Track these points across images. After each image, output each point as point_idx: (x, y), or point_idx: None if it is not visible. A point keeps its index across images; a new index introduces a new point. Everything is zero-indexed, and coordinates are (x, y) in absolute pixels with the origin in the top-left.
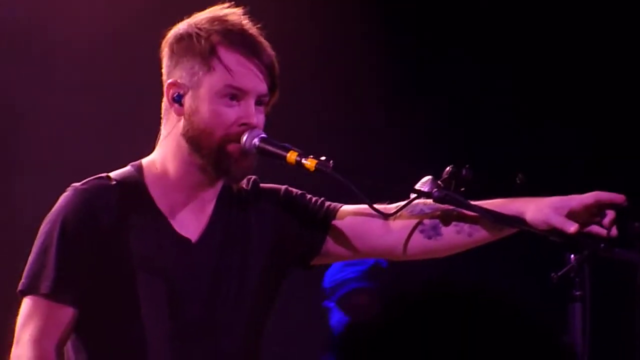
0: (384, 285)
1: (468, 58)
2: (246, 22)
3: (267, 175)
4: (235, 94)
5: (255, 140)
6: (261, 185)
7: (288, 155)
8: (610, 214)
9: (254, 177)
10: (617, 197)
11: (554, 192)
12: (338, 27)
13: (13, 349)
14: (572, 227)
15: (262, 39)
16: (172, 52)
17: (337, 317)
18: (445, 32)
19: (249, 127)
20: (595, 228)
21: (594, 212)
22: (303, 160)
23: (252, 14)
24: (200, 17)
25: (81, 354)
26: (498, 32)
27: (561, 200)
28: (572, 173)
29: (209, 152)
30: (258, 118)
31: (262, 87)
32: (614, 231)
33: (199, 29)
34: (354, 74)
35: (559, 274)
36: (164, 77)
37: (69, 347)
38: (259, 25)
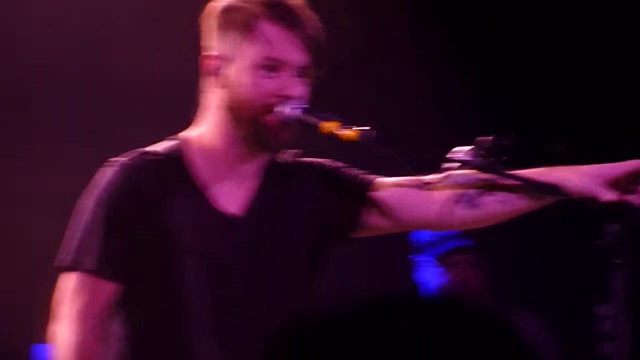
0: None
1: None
2: None
3: (311, 149)
4: (274, 65)
5: (297, 111)
6: (302, 159)
7: (330, 125)
8: None
9: (296, 150)
10: None
11: (595, 160)
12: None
13: (56, 325)
14: (606, 195)
15: (307, 11)
16: (216, 25)
17: (431, 274)
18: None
19: (288, 98)
20: (635, 198)
21: (632, 181)
22: (346, 131)
23: None
24: None
25: (125, 327)
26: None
27: (600, 169)
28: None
29: (248, 122)
30: (300, 90)
31: (303, 58)
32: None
33: (242, 1)
34: (394, 46)
35: (601, 242)
36: (204, 50)
37: (115, 321)
38: None
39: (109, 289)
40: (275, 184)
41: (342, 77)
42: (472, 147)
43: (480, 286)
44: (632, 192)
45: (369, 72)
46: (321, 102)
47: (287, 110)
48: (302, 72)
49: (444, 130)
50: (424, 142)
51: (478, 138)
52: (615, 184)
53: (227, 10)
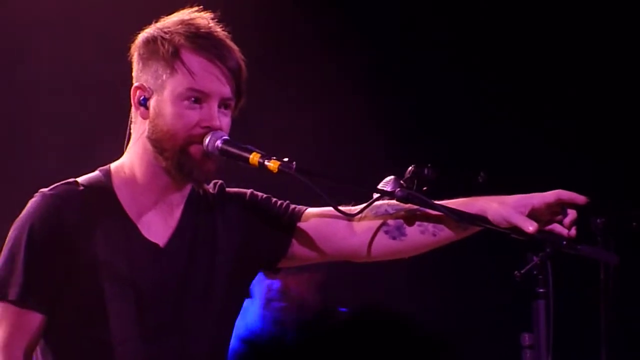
0: None
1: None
2: (213, 26)
3: (234, 178)
4: (197, 97)
5: (218, 142)
6: (227, 189)
7: (251, 157)
8: (571, 214)
9: (220, 181)
10: (578, 198)
11: (516, 190)
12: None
13: None
14: (531, 227)
15: (229, 43)
16: (139, 56)
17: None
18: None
19: (212, 129)
20: (556, 227)
21: (556, 211)
22: (266, 162)
23: (223, 18)
24: (167, 20)
25: (49, 358)
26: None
27: (523, 199)
28: (533, 170)
29: (172, 154)
30: (222, 121)
31: (226, 90)
32: (573, 232)
33: (164, 32)
34: (315, 75)
35: (522, 271)
36: (133, 81)
37: (37, 351)
38: (227, 29)
39: (34, 319)
40: (199, 214)
41: (267, 107)
42: (393, 177)
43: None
44: (556, 222)
45: (294, 101)
46: (246, 133)
47: (211, 141)
48: (225, 103)
49: (363, 160)
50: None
51: (408, 168)
52: (539, 214)
53: (149, 41)
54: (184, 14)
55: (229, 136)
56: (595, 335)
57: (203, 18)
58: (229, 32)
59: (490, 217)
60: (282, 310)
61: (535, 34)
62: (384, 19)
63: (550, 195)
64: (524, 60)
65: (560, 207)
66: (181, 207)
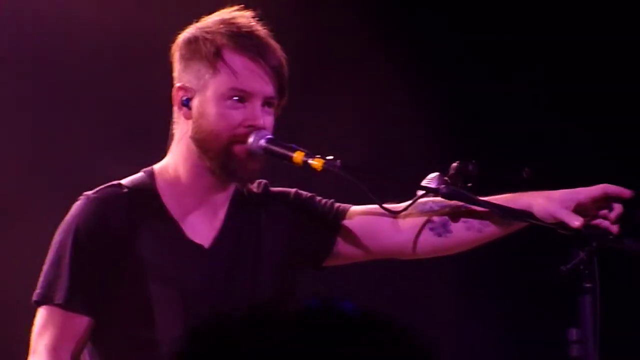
0: None
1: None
2: (254, 24)
3: (278, 179)
4: (240, 96)
5: (262, 141)
6: (271, 189)
7: (295, 155)
8: (617, 208)
9: (264, 181)
10: (625, 192)
11: (562, 185)
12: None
13: (29, 359)
14: (577, 222)
15: (270, 41)
16: (181, 56)
17: None
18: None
19: (255, 128)
20: (602, 222)
21: (602, 205)
22: (310, 160)
23: (264, 17)
24: (208, 20)
25: None
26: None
27: (569, 194)
28: (580, 165)
29: (216, 154)
30: (265, 120)
31: (269, 89)
32: (615, 228)
33: (206, 32)
34: (358, 72)
35: (569, 267)
36: (175, 82)
37: (85, 354)
38: (268, 28)
39: (79, 322)
40: (243, 214)
41: (311, 105)
42: (437, 174)
43: None
44: (601, 217)
45: (338, 99)
46: (290, 131)
47: (255, 140)
48: (267, 102)
49: (408, 157)
50: (389, 170)
51: (452, 164)
52: (585, 208)
53: (191, 42)
54: (225, 13)
55: (272, 135)
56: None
57: (244, 17)
58: (270, 30)
59: (535, 213)
60: None
61: (586, 28)
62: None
63: (596, 190)
64: (580, 54)
65: (606, 202)
66: (225, 207)
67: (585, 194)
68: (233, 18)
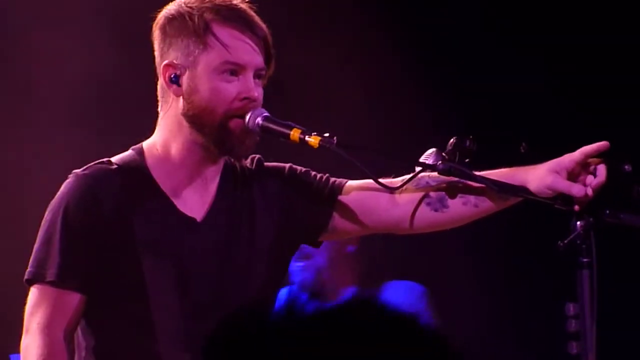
0: None
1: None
2: None
3: (271, 154)
4: (233, 69)
5: (259, 119)
6: (265, 163)
7: (291, 133)
8: (599, 177)
9: (257, 155)
10: (600, 145)
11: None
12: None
13: (23, 338)
14: (579, 190)
15: (253, 13)
16: (165, 34)
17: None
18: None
19: (250, 100)
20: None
21: (589, 170)
22: (307, 138)
23: None
24: None
25: (90, 338)
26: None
27: (557, 163)
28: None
29: (212, 129)
30: (257, 92)
31: (259, 60)
32: (589, 191)
33: (190, 7)
34: (354, 48)
35: (566, 241)
36: (158, 60)
37: (78, 332)
38: (248, 0)
39: (71, 299)
40: (236, 187)
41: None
42: (434, 150)
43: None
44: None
45: (334, 76)
46: (287, 108)
47: (252, 118)
48: (258, 74)
49: (404, 133)
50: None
51: (450, 140)
52: (574, 175)
53: (175, 18)
54: None
55: (267, 113)
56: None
57: None
58: (253, 3)
59: (532, 188)
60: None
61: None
62: None
63: (576, 154)
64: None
65: (590, 165)
66: (216, 181)
67: (569, 159)
68: None
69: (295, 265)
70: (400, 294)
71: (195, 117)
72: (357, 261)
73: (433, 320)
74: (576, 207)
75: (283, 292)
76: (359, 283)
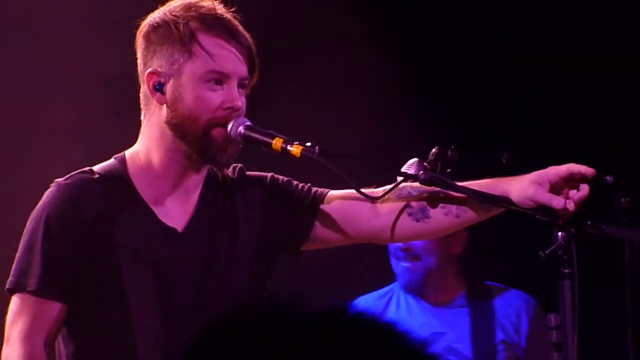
0: None
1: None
2: (220, 8)
3: (254, 162)
4: (218, 78)
5: (241, 128)
6: (247, 173)
7: (273, 142)
8: (583, 190)
9: (239, 165)
10: (587, 170)
11: (539, 169)
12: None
13: (4, 347)
14: (558, 202)
15: (237, 23)
16: (149, 42)
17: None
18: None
19: (234, 110)
20: (566, 203)
21: (572, 185)
22: (288, 147)
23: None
24: (173, 5)
25: (71, 347)
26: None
27: (540, 175)
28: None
29: (194, 138)
30: (241, 101)
31: (243, 69)
32: (571, 206)
33: (175, 16)
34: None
35: (547, 252)
36: (141, 68)
37: (59, 340)
38: (232, 10)
39: (52, 309)
40: (217, 197)
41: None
42: (416, 159)
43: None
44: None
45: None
46: (267, 117)
47: (234, 127)
48: (242, 83)
49: (386, 143)
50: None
51: (432, 150)
52: (557, 188)
53: (159, 26)
54: None
55: (250, 121)
56: (621, 315)
57: (208, 0)
58: (235, 13)
59: (514, 198)
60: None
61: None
62: None
63: (563, 169)
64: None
65: (575, 181)
66: (198, 191)
67: (554, 172)
68: (199, 1)
69: (401, 265)
70: (515, 303)
71: (179, 126)
72: (462, 263)
73: (543, 333)
74: (559, 221)
75: (379, 293)
76: (464, 285)
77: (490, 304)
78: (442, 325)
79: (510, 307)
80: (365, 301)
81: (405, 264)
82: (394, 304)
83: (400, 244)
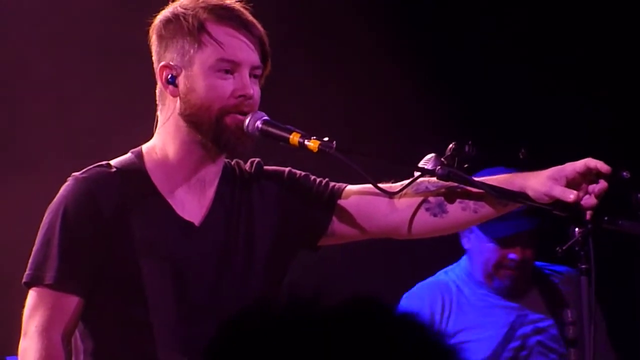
0: None
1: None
2: None
3: (272, 157)
4: (228, 67)
5: (258, 123)
6: (265, 167)
7: (291, 137)
8: (601, 184)
9: (257, 159)
10: (603, 167)
11: (557, 164)
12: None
13: (21, 341)
14: (571, 195)
15: (248, 14)
16: (161, 36)
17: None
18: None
19: (246, 98)
20: (586, 198)
21: (591, 180)
22: (306, 142)
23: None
24: (182, 0)
25: (89, 342)
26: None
27: (557, 171)
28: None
29: (209, 127)
30: (253, 90)
31: (254, 57)
32: (591, 200)
33: (185, 9)
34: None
35: (564, 247)
36: (155, 64)
37: (76, 335)
38: (243, 1)
39: (71, 302)
40: (234, 191)
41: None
42: (433, 155)
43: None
44: (586, 191)
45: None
46: (285, 112)
47: (251, 122)
48: (254, 73)
49: (404, 138)
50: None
51: (449, 145)
52: (574, 184)
53: (170, 21)
54: None
55: (267, 115)
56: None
57: None
58: (249, 6)
59: (530, 194)
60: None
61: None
62: None
63: (580, 164)
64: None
65: (593, 176)
66: (214, 185)
67: (571, 168)
68: None
69: (506, 273)
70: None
71: (192, 116)
72: None
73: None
74: (587, 216)
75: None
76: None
77: (551, 283)
78: (519, 310)
79: (568, 282)
80: (420, 292)
81: (512, 272)
82: (458, 294)
83: (515, 256)
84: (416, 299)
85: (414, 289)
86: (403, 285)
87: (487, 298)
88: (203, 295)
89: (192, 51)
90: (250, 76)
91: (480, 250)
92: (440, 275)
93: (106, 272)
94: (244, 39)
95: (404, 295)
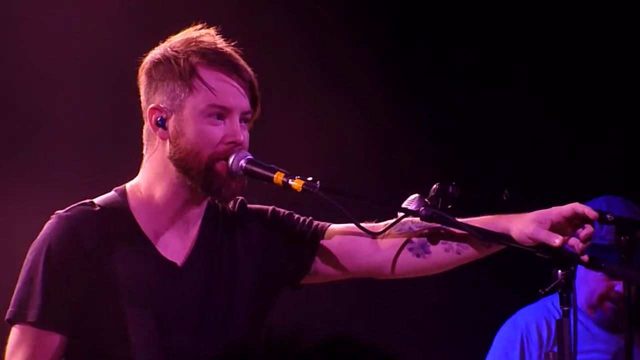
0: None
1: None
2: (220, 42)
3: (257, 195)
4: (219, 113)
5: (242, 162)
6: (248, 205)
7: (275, 176)
8: (587, 229)
9: (240, 197)
10: (590, 212)
11: (541, 206)
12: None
13: None
14: (557, 240)
15: (239, 57)
16: (151, 78)
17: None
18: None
19: (236, 144)
20: (572, 240)
21: (577, 224)
22: (290, 181)
23: (225, 33)
24: (174, 40)
25: None
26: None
27: (542, 214)
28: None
29: (198, 172)
30: (243, 135)
31: (245, 103)
32: (580, 246)
33: (176, 51)
34: (335, 93)
35: (547, 289)
36: (144, 104)
37: None
38: (233, 44)
39: (53, 340)
40: (217, 231)
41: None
42: (417, 195)
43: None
44: (573, 235)
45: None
46: (268, 151)
47: (235, 161)
48: (244, 117)
49: (387, 178)
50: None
51: (433, 186)
52: (559, 228)
53: (160, 62)
54: (190, 33)
55: (251, 155)
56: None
57: (210, 34)
58: (235, 46)
59: (514, 236)
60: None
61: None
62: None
63: (567, 208)
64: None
65: (579, 220)
66: (197, 224)
67: (557, 212)
68: (200, 36)
69: (611, 306)
70: None
71: (182, 161)
72: None
73: None
74: (584, 258)
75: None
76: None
77: None
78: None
79: None
80: (528, 314)
81: (616, 306)
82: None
83: (619, 287)
84: (522, 320)
85: (517, 313)
86: (385, 325)
87: (588, 328)
88: (185, 340)
89: (182, 95)
90: (240, 121)
91: (586, 279)
92: (546, 300)
93: (89, 311)
94: (235, 84)
95: (509, 320)
